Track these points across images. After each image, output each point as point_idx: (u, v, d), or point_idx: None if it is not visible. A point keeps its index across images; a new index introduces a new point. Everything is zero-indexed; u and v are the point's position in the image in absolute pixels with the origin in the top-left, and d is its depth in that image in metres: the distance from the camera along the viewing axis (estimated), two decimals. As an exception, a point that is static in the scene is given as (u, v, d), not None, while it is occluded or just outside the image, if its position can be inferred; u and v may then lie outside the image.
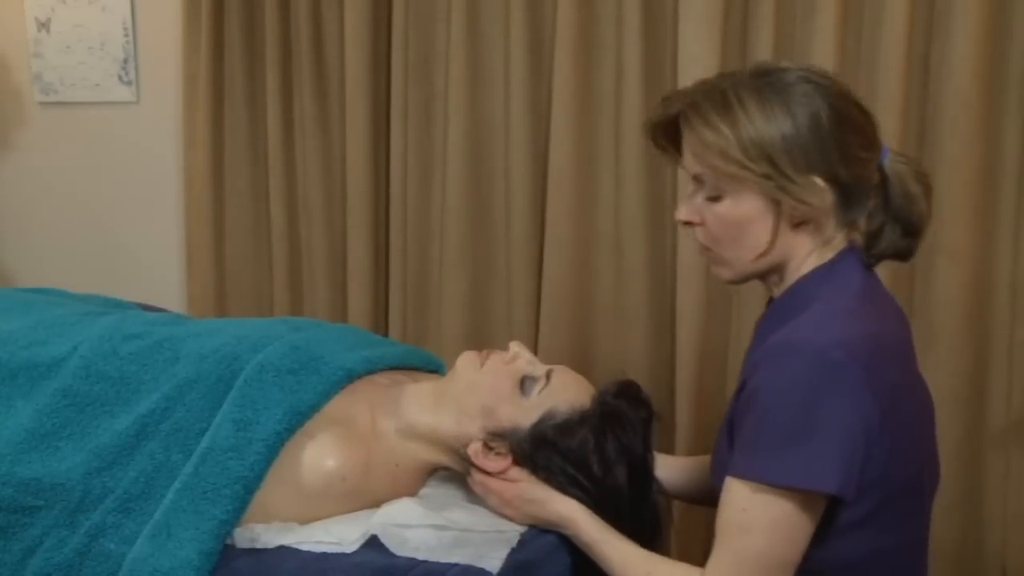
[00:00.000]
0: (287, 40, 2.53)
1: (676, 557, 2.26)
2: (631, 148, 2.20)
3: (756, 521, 1.11)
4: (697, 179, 1.22)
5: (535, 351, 2.23)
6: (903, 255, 1.26)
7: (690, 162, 1.21)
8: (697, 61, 2.06)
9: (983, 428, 2.06)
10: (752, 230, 1.19)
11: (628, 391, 1.40)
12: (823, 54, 2.00)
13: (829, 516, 1.14)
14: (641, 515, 1.34)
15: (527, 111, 2.29)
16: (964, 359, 2.02)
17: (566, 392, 1.37)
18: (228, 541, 1.27)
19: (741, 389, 1.19)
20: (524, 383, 1.38)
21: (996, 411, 2.05)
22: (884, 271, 1.99)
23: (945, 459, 2.02)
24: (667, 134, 1.25)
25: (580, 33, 2.21)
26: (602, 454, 1.32)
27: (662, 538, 1.39)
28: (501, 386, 1.37)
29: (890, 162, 1.22)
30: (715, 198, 1.20)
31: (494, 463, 1.35)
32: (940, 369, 2.02)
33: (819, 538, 1.14)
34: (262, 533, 1.29)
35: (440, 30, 2.38)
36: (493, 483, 1.35)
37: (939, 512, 2.03)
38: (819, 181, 1.15)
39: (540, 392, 1.37)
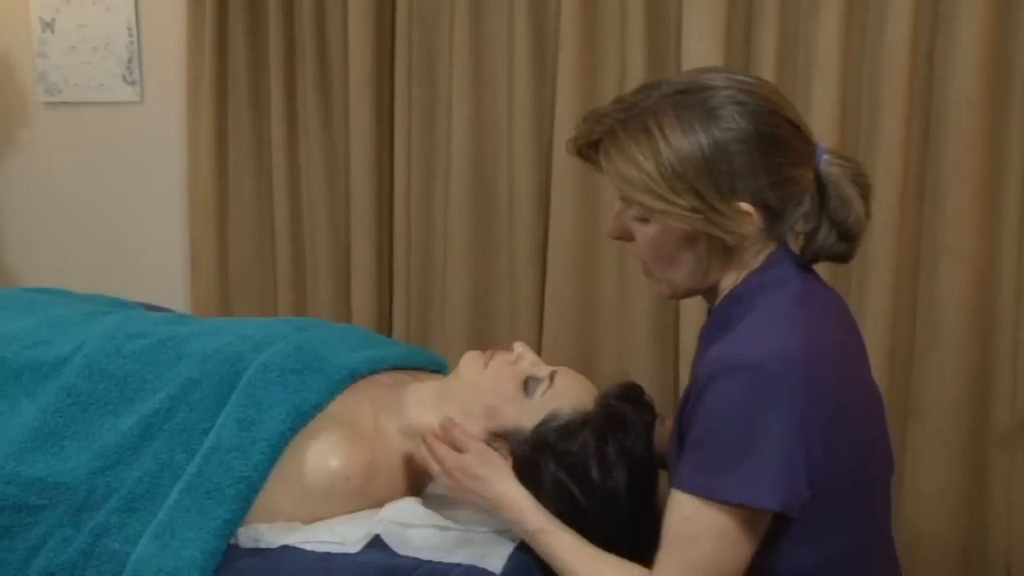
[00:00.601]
0: (291, 41, 2.53)
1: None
2: (634, 148, 2.19)
3: (702, 531, 1.12)
4: (624, 200, 1.20)
5: (538, 351, 2.23)
6: (842, 257, 1.23)
7: (615, 184, 1.19)
8: (701, 61, 2.06)
9: (987, 428, 2.05)
10: (682, 256, 1.19)
11: (631, 393, 1.40)
12: (827, 53, 2.00)
13: (778, 525, 1.14)
14: (642, 519, 1.33)
15: (530, 112, 2.29)
16: (968, 359, 2.02)
17: (569, 394, 1.37)
18: (232, 541, 1.27)
19: (687, 398, 1.18)
20: (528, 384, 1.38)
21: (1000, 411, 2.04)
22: (885, 272, 2.01)
23: (950, 459, 2.04)
24: (595, 148, 1.22)
25: (583, 33, 2.21)
26: (602, 457, 1.32)
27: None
28: (504, 387, 1.37)
29: (825, 164, 1.19)
30: (643, 219, 1.18)
31: None
32: (944, 369, 2.02)
33: (769, 547, 1.15)
34: (266, 533, 1.29)
35: (443, 31, 2.38)
36: (440, 448, 1.32)
37: (944, 511, 2.05)
38: (746, 207, 1.13)
39: (543, 394, 1.37)
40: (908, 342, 2.08)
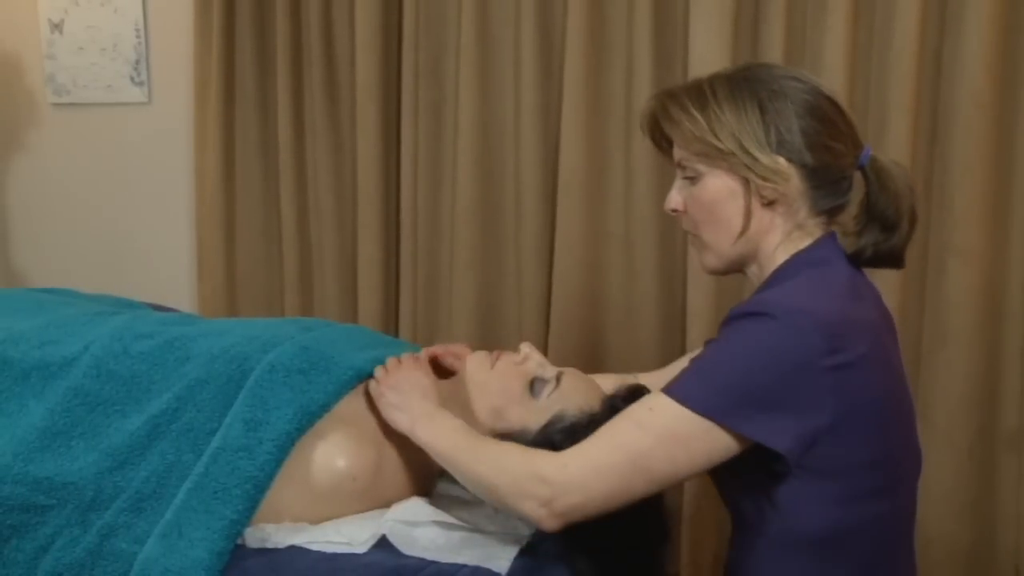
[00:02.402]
0: (298, 42, 2.54)
1: (687, 553, 2.28)
2: (641, 149, 2.20)
3: (655, 424, 1.15)
4: (680, 165, 1.29)
5: (545, 351, 2.24)
6: (894, 258, 1.28)
7: (674, 150, 1.29)
8: (708, 61, 2.05)
9: (996, 429, 2.05)
10: (725, 209, 1.25)
11: (637, 395, 1.40)
12: (834, 53, 1.99)
13: (789, 483, 1.17)
14: (647, 518, 1.33)
15: (537, 113, 2.29)
16: (976, 360, 2.01)
17: (576, 395, 1.37)
18: (239, 541, 1.27)
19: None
20: (534, 385, 1.38)
21: (1009, 412, 2.04)
22: (893, 272, 2.00)
23: (957, 460, 2.03)
24: (660, 130, 1.31)
25: (590, 34, 2.21)
26: None
27: (669, 542, 1.38)
28: (511, 387, 1.37)
29: (871, 161, 1.26)
30: (693, 179, 1.27)
31: None
32: (952, 370, 2.01)
33: (786, 507, 1.18)
34: (273, 533, 1.29)
35: (450, 32, 2.38)
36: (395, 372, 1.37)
37: (953, 512, 2.04)
38: (783, 162, 1.21)
39: (550, 395, 1.37)
40: (916, 342, 2.07)
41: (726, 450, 1.15)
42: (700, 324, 2.16)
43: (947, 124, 1.99)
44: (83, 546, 1.27)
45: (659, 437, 1.15)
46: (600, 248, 2.29)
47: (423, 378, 1.38)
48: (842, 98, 1.28)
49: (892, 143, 1.98)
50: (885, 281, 2.00)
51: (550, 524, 1.18)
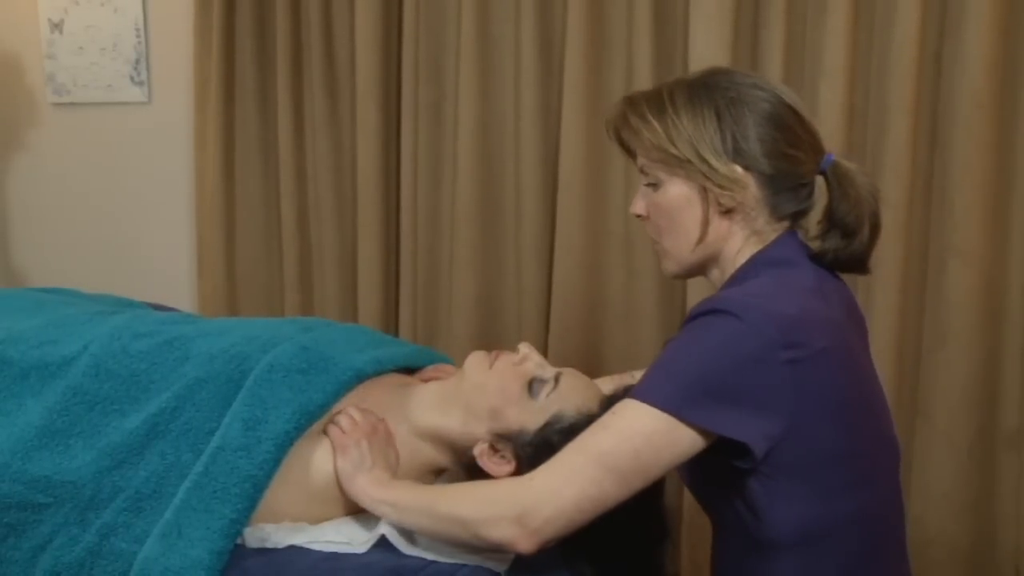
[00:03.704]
0: (298, 41, 2.54)
1: (685, 557, 2.28)
2: (641, 148, 2.19)
3: (617, 424, 1.16)
4: (642, 171, 1.29)
5: (545, 351, 2.24)
6: (856, 263, 1.28)
7: (636, 151, 1.30)
8: (707, 61, 2.05)
9: (996, 429, 2.05)
10: (684, 216, 1.26)
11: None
12: (834, 54, 1.99)
13: (759, 482, 1.17)
14: (646, 519, 1.33)
15: (537, 112, 2.29)
16: (976, 360, 2.01)
17: (574, 396, 1.37)
18: (238, 541, 1.27)
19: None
20: (532, 385, 1.37)
21: (1009, 412, 2.04)
22: (894, 272, 2.01)
23: (957, 460, 2.03)
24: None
25: (590, 33, 2.21)
26: None
27: (668, 542, 1.38)
28: (509, 388, 1.36)
29: (832, 166, 1.26)
30: (653, 185, 1.28)
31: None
32: (952, 370, 2.01)
33: (760, 507, 1.18)
34: (272, 533, 1.29)
35: (450, 31, 2.38)
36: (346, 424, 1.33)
37: (951, 512, 2.04)
38: (739, 170, 1.21)
39: (548, 395, 1.36)
40: (916, 343, 2.07)
41: (691, 445, 1.15)
42: (700, 324, 2.16)
43: (947, 125, 1.99)
44: (82, 545, 1.27)
45: (622, 435, 1.15)
46: (600, 248, 2.29)
47: (384, 445, 1.35)
48: (805, 105, 1.27)
49: (892, 144, 1.98)
50: (885, 281, 2.01)
51: (525, 545, 1.15)
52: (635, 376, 1.53)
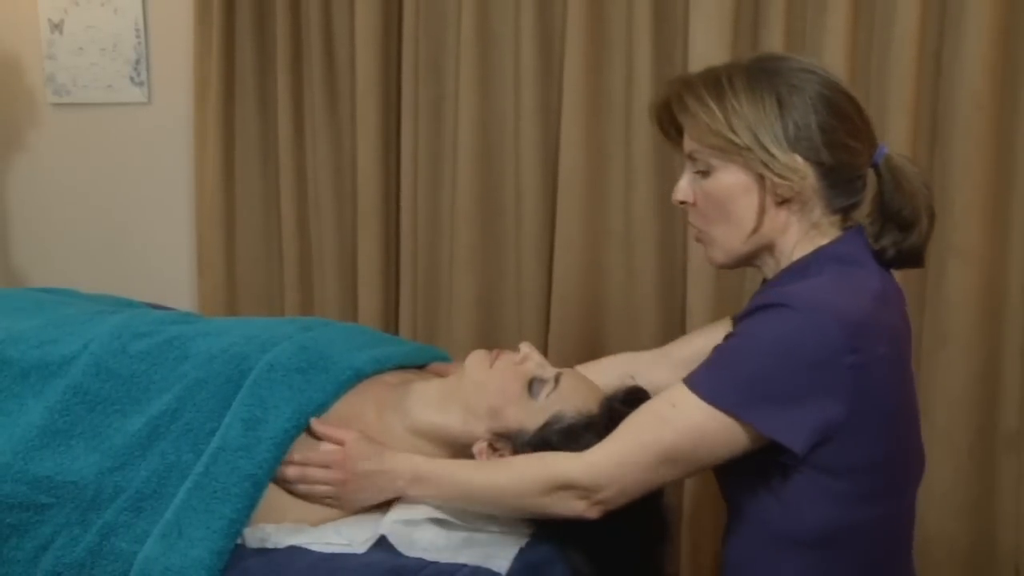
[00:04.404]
0: (298, 41, 2.54)
1: (687, 553, 2.27)
2: (641, 148, 2.19)
3: (677, 419, 1.16)
4: (690, 157, 1.26)
5: (545, 351, 2.23)
6: (915, 257, 1.26)
7: (685, 140, 1.26)
8: (707, 60, 2.03)
9: (996, 429, 2.05)
10: (739, 205, 1.23)
11: (635, 397, 1.39)
12: (834, 53, 1.99)
13: (796, 478, 1.17)
14: (646, 518, 1.33)
15: (537, 111, 2.29)
16: (976, 360, 2.01)
17: (574, 396, 1.37)
18: (239, 541, 1.27)
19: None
20: (532, 385, 1.37)
21: (1008, 412, 2.04)
22: (894, 273, 2.00)
23: (957, 460, 2.03)
24: (671, 119, 1.29)
25: (590, 33, 2.21)
26: None
27: (668, 542, 1.38)
28: (509, 387, 1.37)
29: (884, 161, 1.24)
30: (704, 173, 1.24)
31: None
32: (952, 370, 2.01)
33: (790, 501, 1.19)
34: (272, 533, 1.29)
35: (450, 30, 2.38)
36: (313, 472, 1.31)
37: (952, 512, 2.04)
38: (800, 160, 1.18)
39: (548, 395, 1.36)
40: (916, 342, 2.07)
41: (746, 443, 1.16)
42: (700, 324, 2.15)
43: (947, 125, 1.99)
44: (83, 545, 1.27)
45: (681, 432, 1.17)
46: (600, 248, 2.29)
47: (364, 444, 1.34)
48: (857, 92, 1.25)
49: (892, 144, 1.95)
50: (885, 281, 2.01)
51: (592, 514, 1.22)
52: (637, 357, 1.55)
